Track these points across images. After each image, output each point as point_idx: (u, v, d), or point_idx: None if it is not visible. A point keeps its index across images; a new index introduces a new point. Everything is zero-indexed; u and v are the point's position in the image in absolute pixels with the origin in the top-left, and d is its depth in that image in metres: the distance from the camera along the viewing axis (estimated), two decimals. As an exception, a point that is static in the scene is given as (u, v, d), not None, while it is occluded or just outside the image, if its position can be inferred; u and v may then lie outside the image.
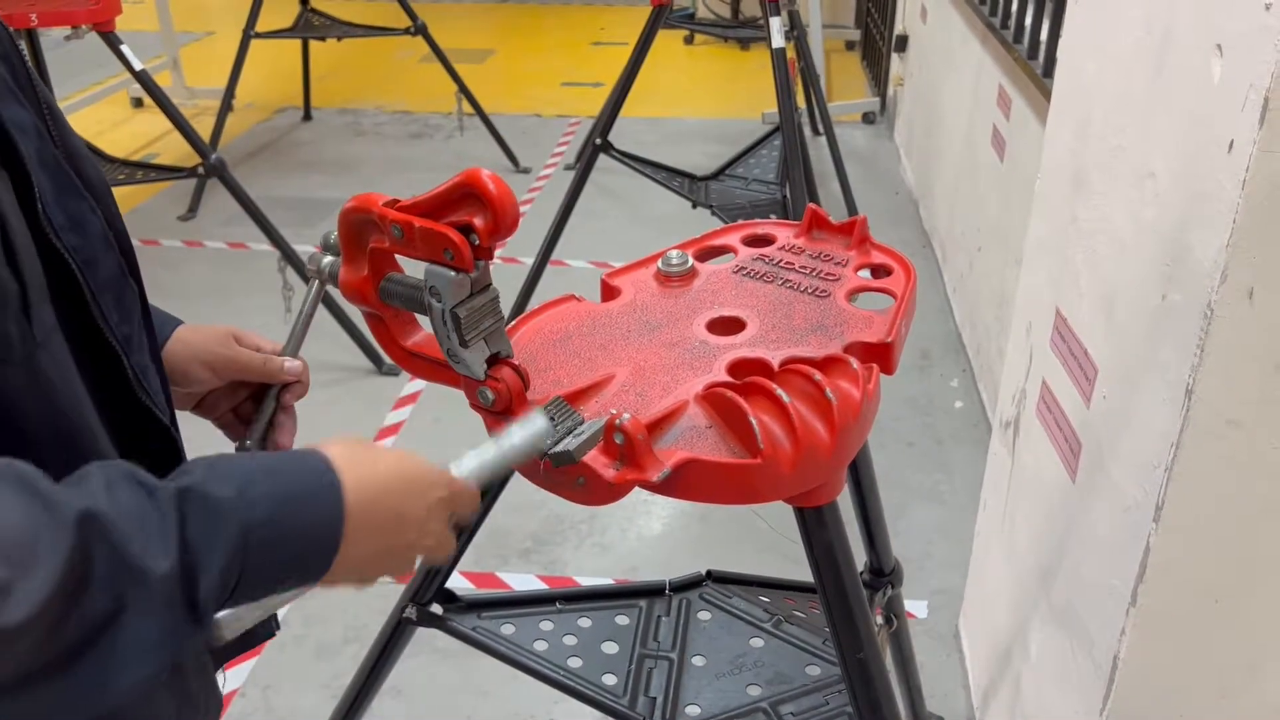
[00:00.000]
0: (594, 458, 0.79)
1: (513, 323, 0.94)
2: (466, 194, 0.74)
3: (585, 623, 1.25)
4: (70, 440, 0.61)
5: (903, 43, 4.58)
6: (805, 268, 1.03)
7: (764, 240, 1.10)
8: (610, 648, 1.22)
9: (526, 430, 0.77)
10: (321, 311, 2.97)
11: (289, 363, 0.89)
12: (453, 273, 0.76)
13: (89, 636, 0.51)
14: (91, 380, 0.65)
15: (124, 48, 2.83)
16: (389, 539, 0.65)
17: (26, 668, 0.50)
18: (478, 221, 0.73)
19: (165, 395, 0.77)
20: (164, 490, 0.56)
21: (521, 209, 3.10)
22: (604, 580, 2.25)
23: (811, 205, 1.10)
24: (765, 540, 2.33)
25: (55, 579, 0.49)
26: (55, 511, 0.50)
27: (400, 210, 0.77)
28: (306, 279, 0.93)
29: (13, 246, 0.57)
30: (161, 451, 0.72)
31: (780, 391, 0.80)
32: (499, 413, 0.84)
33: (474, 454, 0.76)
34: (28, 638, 0.48)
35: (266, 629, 0.78)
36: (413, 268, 0.83)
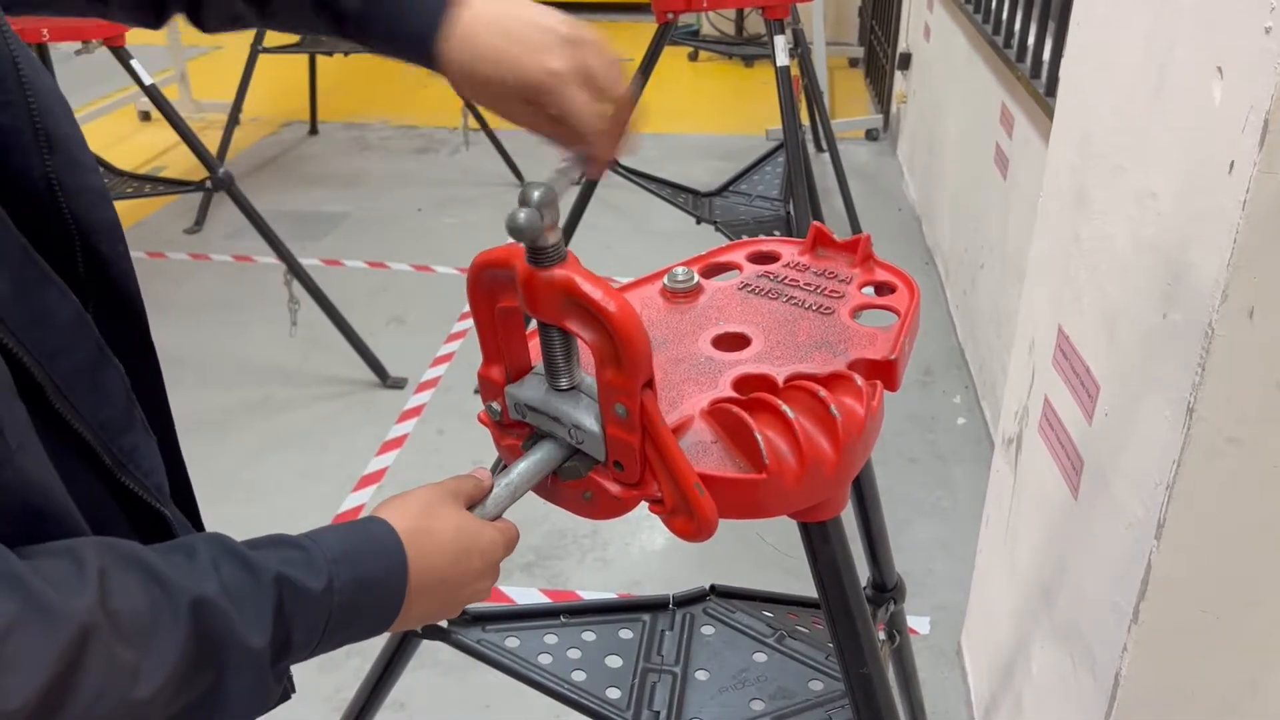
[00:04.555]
0: (600, 472, 0.80)
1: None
2: None
3: (589, 636, 1.26)
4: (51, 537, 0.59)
5: (906, 60, 4.60)
6: (810, 285, 1.04)
7: (769, 257, 1.10)
8: (614, 661, 1.23)
9: (538, 455, 0.80)
10: (325, 325, 3.00)
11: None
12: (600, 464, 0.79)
13: (197, 700, 0.58)
14: (72, 467, 0.63)
15: (134, 62, 2.85)
16: (440, 603, 0.74)
17: None
18: None
19: (174, 464, 0.74)
20: (265, 572, 0.62)
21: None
22: (607, 595, 2.25)
23: (816, 223, 1.11)
24: (768, 555, 2.33)
25: (174, 659, 0.55)
26: (172, 595, 0.57)
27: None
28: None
29: None
30: (151, 530, 0.70)
31: (785, 407, 0.81)
32: (507, 426, 0.85)
33: (504, 486, 0.79)
34: (153, 708, 0.55)
35: (283, 693, 0.78)
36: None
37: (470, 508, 0.78)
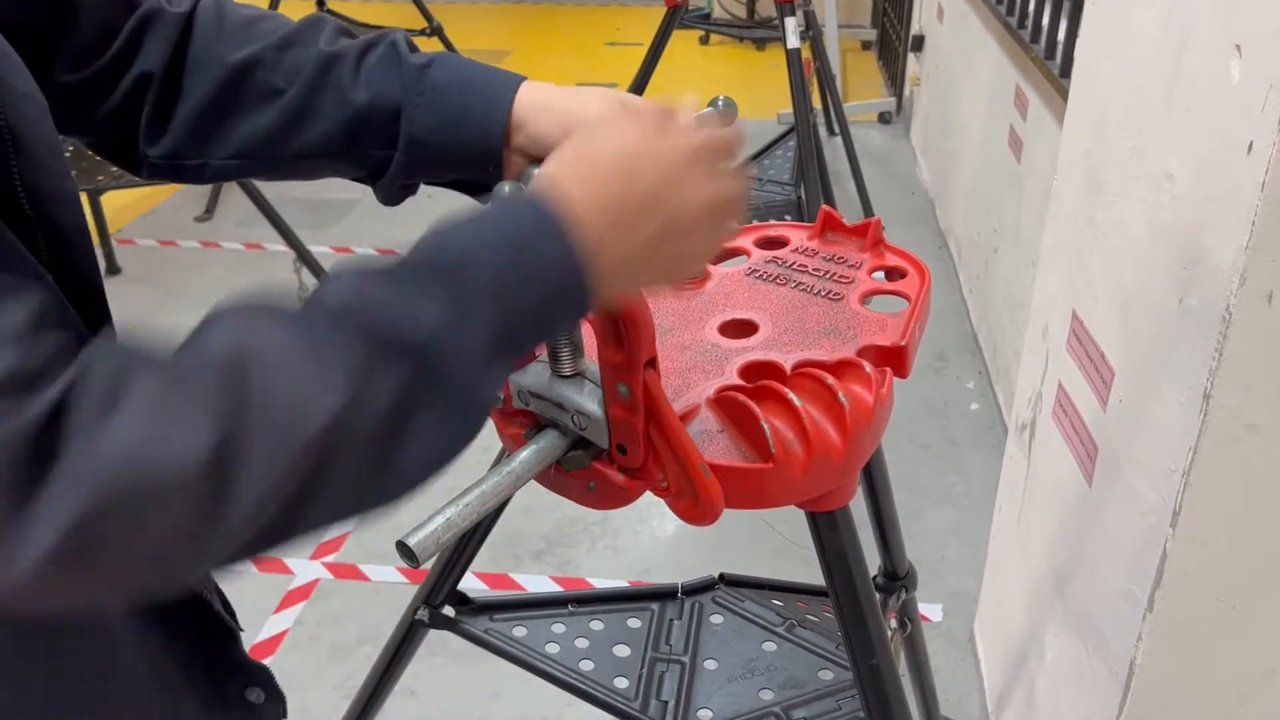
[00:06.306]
0: (604, 461, 0.79)
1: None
2: None
3: (597, 625, 1.25)
4: None
5: (919, 42, 4.56)
6: (818, 270, 1.02)
7: (777, 242, 1.09)
8: (622, 650, 1.22)
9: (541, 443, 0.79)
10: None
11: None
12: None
13: (390, 427, 0.52)
14: None
15: (141, 50, 2.85)
16: (643, 226, 0.61)
17: (357, 469, 0.52)
18: None
19: None
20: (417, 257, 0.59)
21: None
22: (616, 583, 2.25)
23: (825, 207, 1.09)
24: (777, 543, 2.32)
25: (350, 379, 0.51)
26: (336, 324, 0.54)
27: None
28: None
29: None
30: None
31: (792, 395, 0.80)
32: (510, 415, 0.84)
33: (507, 474, 0.76)
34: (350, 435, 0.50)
35: (274, 713, 0.77)
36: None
37: None
